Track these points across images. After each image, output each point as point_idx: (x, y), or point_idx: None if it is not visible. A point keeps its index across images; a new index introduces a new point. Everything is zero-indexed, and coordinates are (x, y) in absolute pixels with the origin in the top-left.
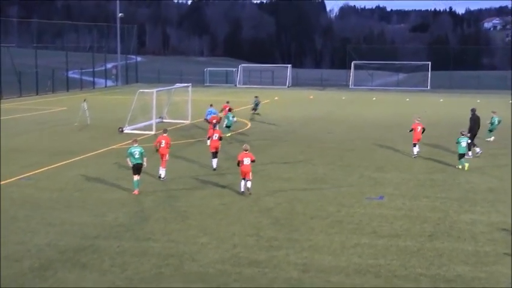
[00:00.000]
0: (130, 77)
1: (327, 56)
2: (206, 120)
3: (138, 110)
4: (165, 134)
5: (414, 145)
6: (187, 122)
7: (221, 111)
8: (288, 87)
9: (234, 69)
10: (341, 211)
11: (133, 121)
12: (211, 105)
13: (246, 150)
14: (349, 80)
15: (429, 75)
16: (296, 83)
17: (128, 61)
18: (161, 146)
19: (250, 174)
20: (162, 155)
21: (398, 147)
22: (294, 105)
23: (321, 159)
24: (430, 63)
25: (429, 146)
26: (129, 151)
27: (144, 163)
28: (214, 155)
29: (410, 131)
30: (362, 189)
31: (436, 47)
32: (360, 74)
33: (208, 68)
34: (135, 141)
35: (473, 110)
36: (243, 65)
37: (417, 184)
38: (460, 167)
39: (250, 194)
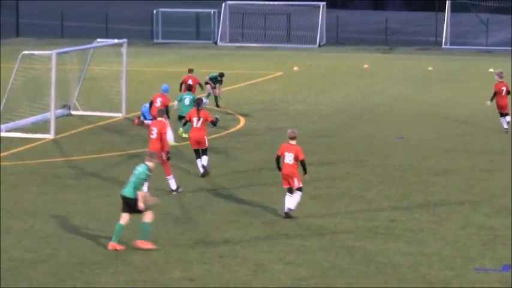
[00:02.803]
0: (5, 25)
1: None
2: (142, 122)
3: (21, 91)
4: (160, 118)
5: (502, 115)
6: (120, 115)
7: (180, 88)
8: (321, 46)
9: (212, 11)
10: None
11: (11, 114)
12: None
13: (293, 139)
14: (442, 32)
15: None
16: (336, 39)
17: None
18: (151, 137)
19: (296, 180)
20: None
21: None
22: (332, 82)
23: (384, 190)
24: None
25: None
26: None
27: (140, 201)
28: (200, 153)
29: (493, 97)
30: (467, 251)
31: None
32: (464, 20)
33: (161, 9)
34: (150, 156)
35: None
36: (229, 2)
37: None
38: None
39: (290, 215)
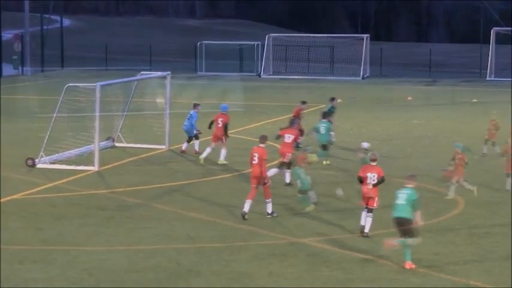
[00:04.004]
0: (50, 57)
1: (441, 18)
2: (193, 137)
3: (66, 123)
4: (261, 145)
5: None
6: (164, 147)
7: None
8: (364, 78)
9: (255, 44)
10: None
11: (55, 146)
12: (196, 106)
13: (373, 161)
14: (488, 64)
15: None
16: (379, 71)
17: (47, 27)
18: (253, 162)
19: (376, 201)
20: (254, 179)
21: None
22: (375, 114)
23: (427, 222)
24: None
25: None
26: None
27: (418, 218)
28: (284, 166)
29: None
30: None
31: None
32: (508, 52)
33: (205, 41)
34: (411, 177)
35: None
36: (272, 35)
37: None
38: None
39: (367, 235)
